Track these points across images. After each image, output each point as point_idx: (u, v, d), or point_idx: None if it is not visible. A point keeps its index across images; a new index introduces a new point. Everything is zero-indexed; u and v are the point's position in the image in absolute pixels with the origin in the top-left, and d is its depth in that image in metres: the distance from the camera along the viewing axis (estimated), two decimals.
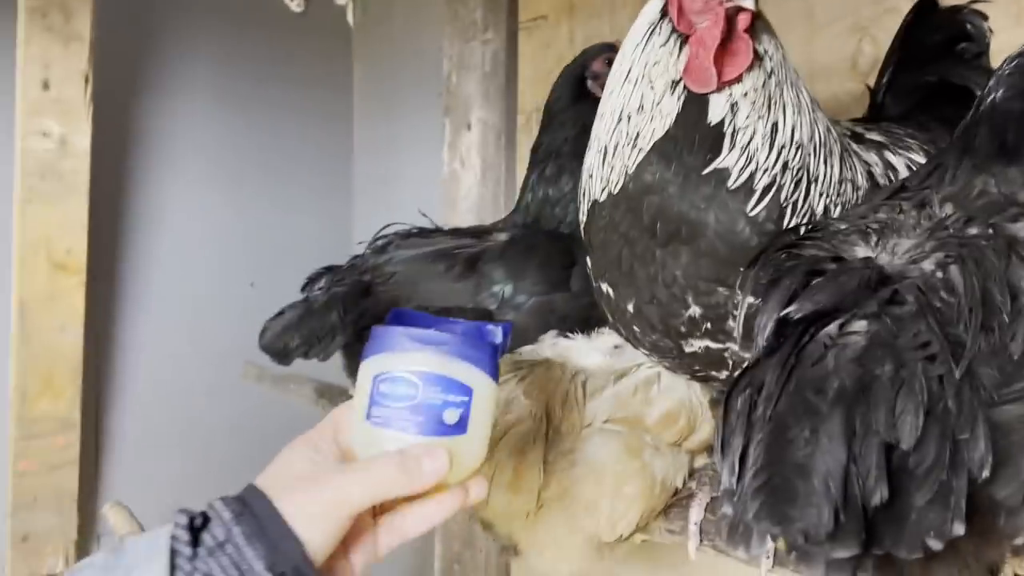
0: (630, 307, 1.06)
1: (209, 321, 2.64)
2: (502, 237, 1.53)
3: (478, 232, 1.59)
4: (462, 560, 2.29)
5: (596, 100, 1.09)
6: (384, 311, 1.46)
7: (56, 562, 2.30)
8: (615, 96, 1.02)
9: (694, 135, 0.95)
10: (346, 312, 1.43)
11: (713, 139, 0.95)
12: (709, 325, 1.01)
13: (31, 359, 2.20)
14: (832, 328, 0.71)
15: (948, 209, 0.83)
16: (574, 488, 1.12)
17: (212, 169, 2.69)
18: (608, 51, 1.52)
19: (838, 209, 0.99)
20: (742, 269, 0.96)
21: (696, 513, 1.13)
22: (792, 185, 0.96)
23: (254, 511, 0.77)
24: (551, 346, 1.25)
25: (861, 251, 0.80)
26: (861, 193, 1.02)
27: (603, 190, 1.03)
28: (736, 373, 0.79)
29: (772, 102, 0.95)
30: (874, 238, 0.81)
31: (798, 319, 0.73)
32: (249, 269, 2.69)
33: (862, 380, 0.67)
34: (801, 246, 0.84)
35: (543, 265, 1.45)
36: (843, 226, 0.85)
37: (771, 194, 0.95)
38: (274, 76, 2.79)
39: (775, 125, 0.95)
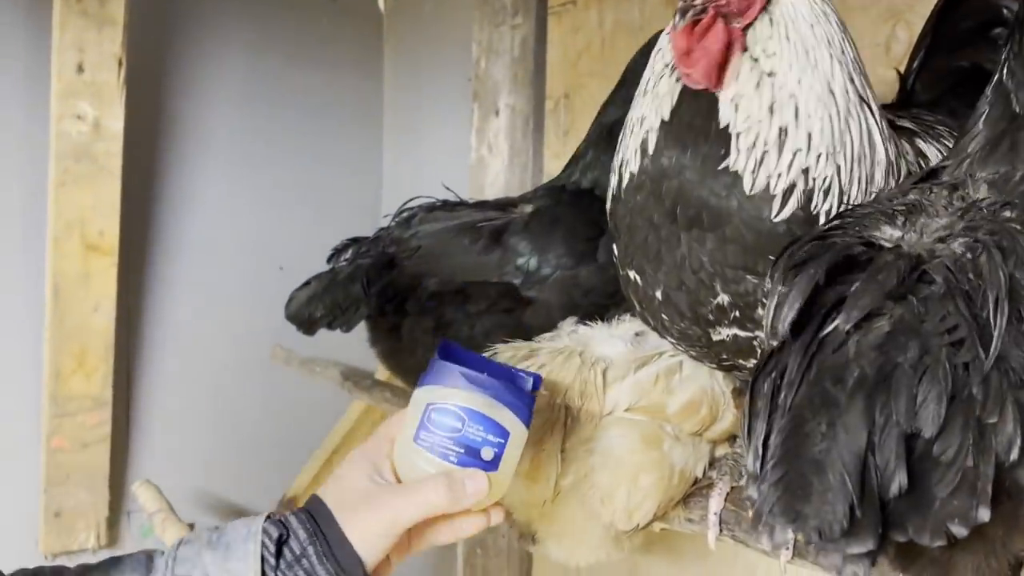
0: (658, 294, 1.05)
1: (239, 303, 2.66)
2: (527, 209, 1.51)
3: (503, 205, 1.58)
4: (484, 546, 2.30)
5: None
6: (408, 284, 1.47)
7: (87, 537, 2.34)
8: (645, 79, 1.02)
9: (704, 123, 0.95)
10: (370, 284, 1.45)
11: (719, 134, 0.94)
12: (738, 313, 1.00)
13: (64, 338, 2.24)
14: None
15: (983, 192, 0.81)
16: (591, 477, 1.12)
17: (243, 153, 2.71)
18: None
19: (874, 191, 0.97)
20: (772, 258, 0.95)
21: (716, 503, 1.12)
22: (824, 170, 0.94)
23: (325, 534, 0.91)
24: (570, 334, 1.24)
25: (889, 232, 0.79)
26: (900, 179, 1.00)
27: (627, 173, 1.03)
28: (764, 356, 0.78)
29: (786, 94, 0.94)
30: (901, 219, 0.80)
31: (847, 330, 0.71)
32: (278, 252, 2.70)
33: (883, 368, 0.66)
34: (829, 236, 0.82)
35: (568, 237, 1.44)
36: (869, 210, 0.84)
37: (798, 185, 0.94)
38: (305, 61, 2.80)
39: (785, 126, 0.94)
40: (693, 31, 0.94)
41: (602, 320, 1.24)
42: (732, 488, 1.14)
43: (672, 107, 0.98)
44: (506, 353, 1.21)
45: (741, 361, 1.07)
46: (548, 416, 1.12)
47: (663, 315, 1.07)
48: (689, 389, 1.16)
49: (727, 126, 0.94)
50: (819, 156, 0.94)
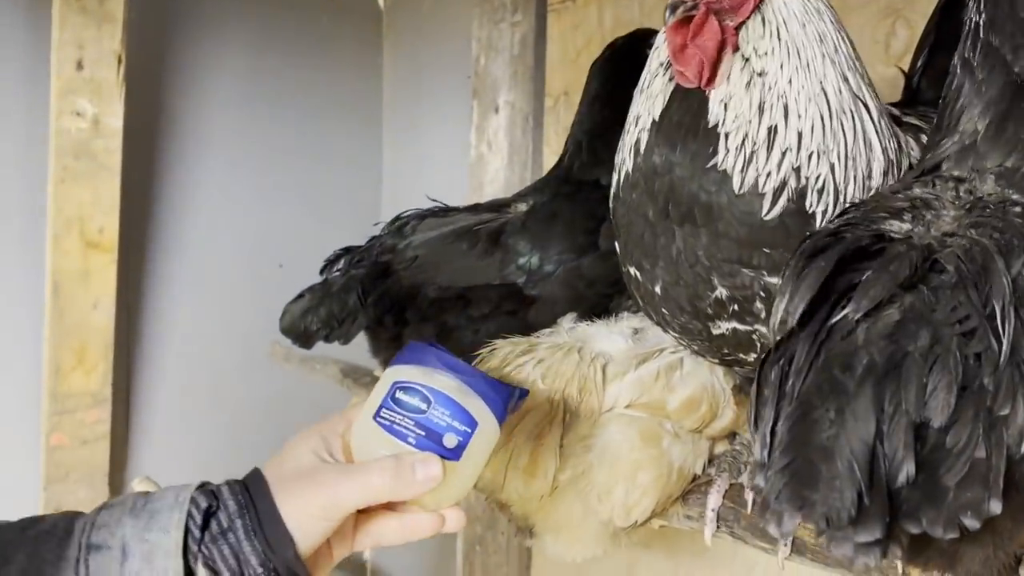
0: (658, 289, 1.06)
1: (238, 301, 2.66)
2: (522, 207, 1.50)
3: (496, 206, 1.56)
4: (484, 542, 2.31)
5: None
6: (406, 293, 1.46)
7: None
8: (641, 78, 1.03)
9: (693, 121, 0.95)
10: (366, 294, 1.43)
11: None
12: (736, 307, 1.01)
13: (64, 335, 2.23)
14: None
15: (991, 185, 0.81)
16: (589, 473, 1.12)
17: (242, 150, 2.70)
18: None
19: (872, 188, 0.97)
20: (767, 251, 0.95)
21: (714, 500, 1.13)
22: (816, 168, 0.94)
23: (256, 507, 0.83)
24: (569, 331, 1.24)
25: (898, 226, 0.78)
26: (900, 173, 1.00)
27: (624, 171, 1.04)
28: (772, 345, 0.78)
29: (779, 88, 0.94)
30: (908, 215, 0.79)
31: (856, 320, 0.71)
32: (278, 250, 2.71)
33: (893, 356, 0.65)
34: (840, 231, 0.82)
35: (567, 231, 1.42)
36: (873, 206, 0.84)
37: (789, 183, 0.94)
38: (305, 58, 2.80)
39: (774, 125, 0.94)
40: (687, 28, 0.94)
41: (607, 311, 1.24)
42: (731, 485, 1.14)
43: (663, 106, 0.98)
44: (504, 348, 1.21)
45: (742, 355, 1.07)
46: (547, 411, 1.12)
47: (664, 310, 1.08)
48: (690, 386, 1.16)
49: (716, 125, 0.95)
50: (811, 155, 0.94)
